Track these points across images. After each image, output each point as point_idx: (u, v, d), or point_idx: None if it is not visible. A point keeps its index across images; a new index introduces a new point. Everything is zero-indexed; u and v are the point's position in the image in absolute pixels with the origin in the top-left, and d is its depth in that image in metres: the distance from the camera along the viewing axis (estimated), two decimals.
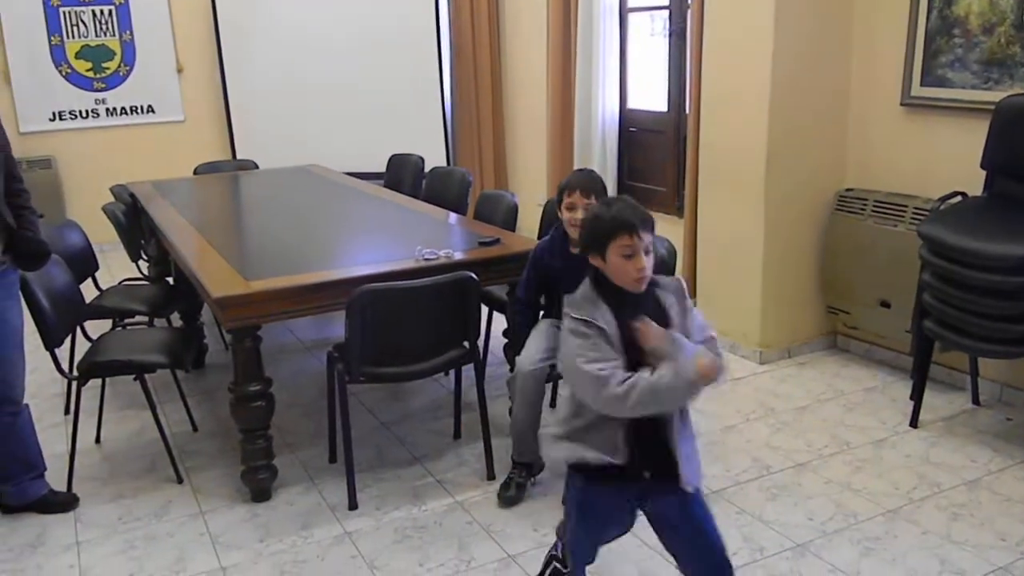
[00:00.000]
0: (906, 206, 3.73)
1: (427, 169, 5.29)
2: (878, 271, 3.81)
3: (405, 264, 3.17)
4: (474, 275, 3.03)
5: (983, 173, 3.35)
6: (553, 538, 2.53)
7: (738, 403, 3.74)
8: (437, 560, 2.70)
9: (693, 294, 4.68)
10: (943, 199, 3.42)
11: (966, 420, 3.46)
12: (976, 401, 3.57)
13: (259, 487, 3.06)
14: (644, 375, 1.81)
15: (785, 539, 2.75)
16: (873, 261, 3.83)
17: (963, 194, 3.42)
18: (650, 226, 1.93)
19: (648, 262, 1.91)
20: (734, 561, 2.05)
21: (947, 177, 3.56)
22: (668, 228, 4.68)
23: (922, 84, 3.73)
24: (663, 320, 1.91)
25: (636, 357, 1.87)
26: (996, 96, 3.35)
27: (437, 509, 2.99)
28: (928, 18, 3.67)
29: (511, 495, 2.99)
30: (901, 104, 3.81)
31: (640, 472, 1.96)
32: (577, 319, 1.90)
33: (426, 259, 3.25)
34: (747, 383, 3.94)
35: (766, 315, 4.11)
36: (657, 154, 5.37)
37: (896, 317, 3.75)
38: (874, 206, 3.87)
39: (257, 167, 5.94)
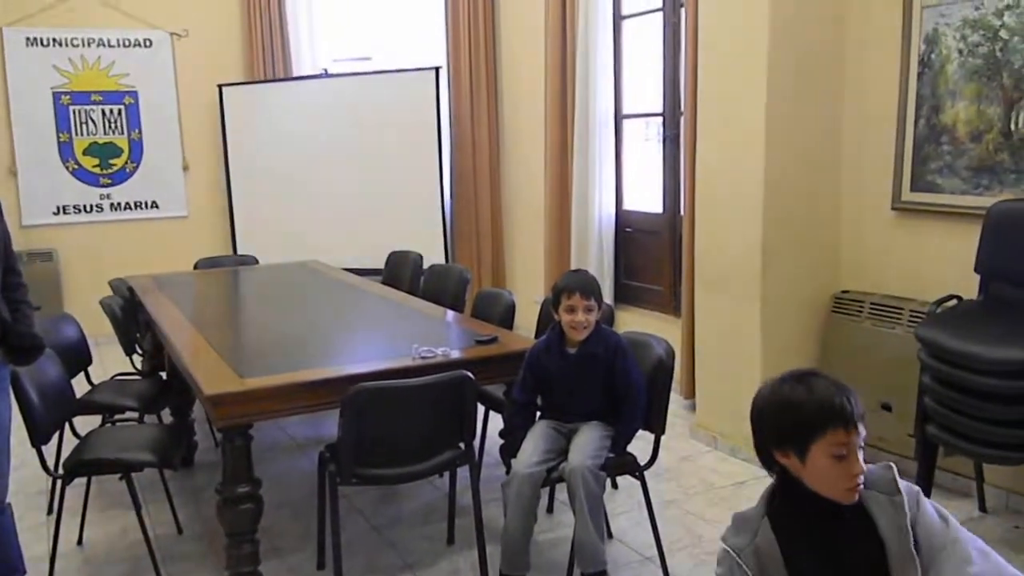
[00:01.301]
0: (902, 308, 3.73)
1: (425, 266, 5.32)
2: (877, 374, 3.79)
3: (401, 362, 3.14)
4: (471, 374, 3.00)
5: (976, 276, 3.37)
6: None
7: (739, 510, 3.64)
8: None
9: (691, 394, 4.65)
10: (939, 302, 3.43)
11: (973, 527, 3.31)
12: (983, 508, 3.49)
13: None
14: None
15: None
16: (872, 363, 3.81)
17: (958, 297, 3.43)
18: (863, 414, 1.45)
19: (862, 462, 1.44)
20: None
21: (941, 280, 3.58)
22: (665, 328, 4.69)
23: (912, 189, 3.79)
24: (870, 543, 1.45)
25: None
26: (986, 201, 3.40)
27: None
28: (916, 126, 3.75)
29: None
30: (892, 208, 3.86)
31: None
32: (727, 549, 1.47)
33: (423, 357, 3.22)
34: (749, 488, 3.86)
35: None
36: (653, 254, 5.42)
37: (897, 420, 3.70)
38: (871, 308, 3.88)
39: (257, 262, 5.98)
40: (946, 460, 3.49)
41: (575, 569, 2.85)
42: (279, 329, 3.92)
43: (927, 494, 3.34)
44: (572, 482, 2.82)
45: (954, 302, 3.44)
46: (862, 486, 1.46)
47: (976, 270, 3.37)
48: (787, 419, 1.45)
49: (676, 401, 4.79)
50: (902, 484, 1.52)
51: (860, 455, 1.44)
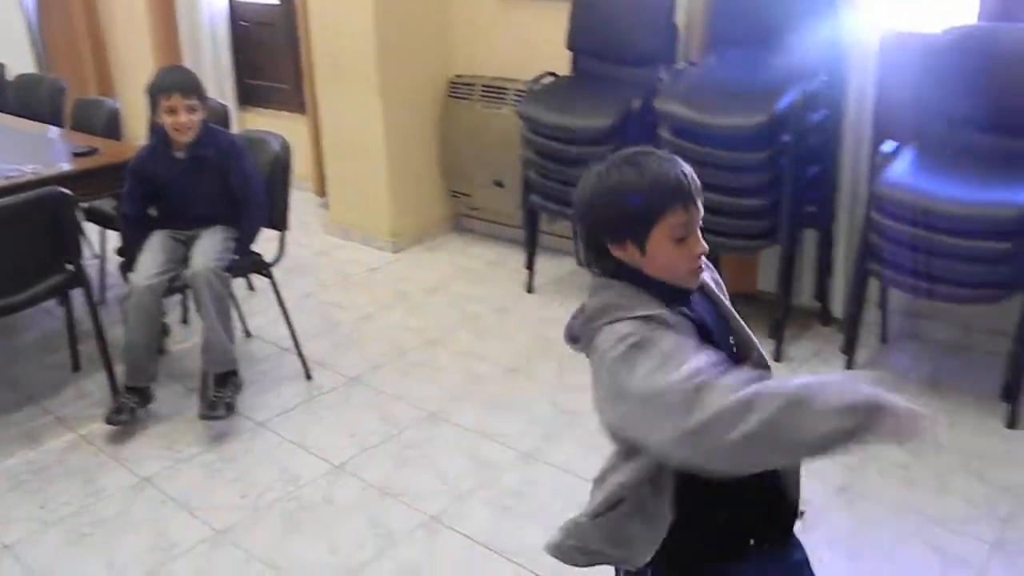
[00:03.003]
0: (508, 89, 3.97)
1: (11, 77, 4.63)
2: (490, 153, 4.06)
3: None
4: (67, 190, 2.74)
5: (569, 54, 3.66)
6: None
7: (373, 293, 3.84)
8: (61, 499, 2.51)
9: (323, 192, 4.67)
10: (537, 79, 3.68)
11: (573, 280, 3.86)
12: (580, 263, 3.98)
13: None
14: (771, 380, 1.16)
15: (419, 410, 2.92)
16: (485, 144, 4.07)
17: (554, 74, 3.71)
18: (700, 188, 1.31)
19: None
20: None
21: (541, 60, 3.82)
22: (293, 127, 4.59)
23: None
24: (716, 316, 1.38)
25: None
26: None
27: (57, 448, 2.76)
28: None
29: (124, 419, 2.79)
30: None
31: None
32: (632, 319, 1.24)
33: (8, 177, 2.89)
34: (382, 272, 4.05)
35: (395, 206, 4.22)
36: (273, 49, 5.16)
37: (509, 195, 4.03)
38: (481, 91, 4.08)
39: None
40: (549, 226, 3.91)
41: (208, 372, 2.86)
42: None
43: (533, 257, 3.76)
44: (196, 286, 2.77)
45: (550, 79, 3.71)
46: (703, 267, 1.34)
47: (568, 47, 3.65)
48: (621, 207, 1.27)
49: (310, 200, 4.80)
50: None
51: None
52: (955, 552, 2.18)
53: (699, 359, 1.17)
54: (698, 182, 1.29)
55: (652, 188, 1.26)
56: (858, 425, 1.05)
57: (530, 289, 3.77)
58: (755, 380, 1.13)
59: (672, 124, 3.07)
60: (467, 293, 3.81)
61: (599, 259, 1.34)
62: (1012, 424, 2.66)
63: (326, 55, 4.20)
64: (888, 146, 2.83)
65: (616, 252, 1.30)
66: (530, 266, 3.77)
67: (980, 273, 2.58)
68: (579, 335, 1.34)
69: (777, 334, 3.11)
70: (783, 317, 3.11)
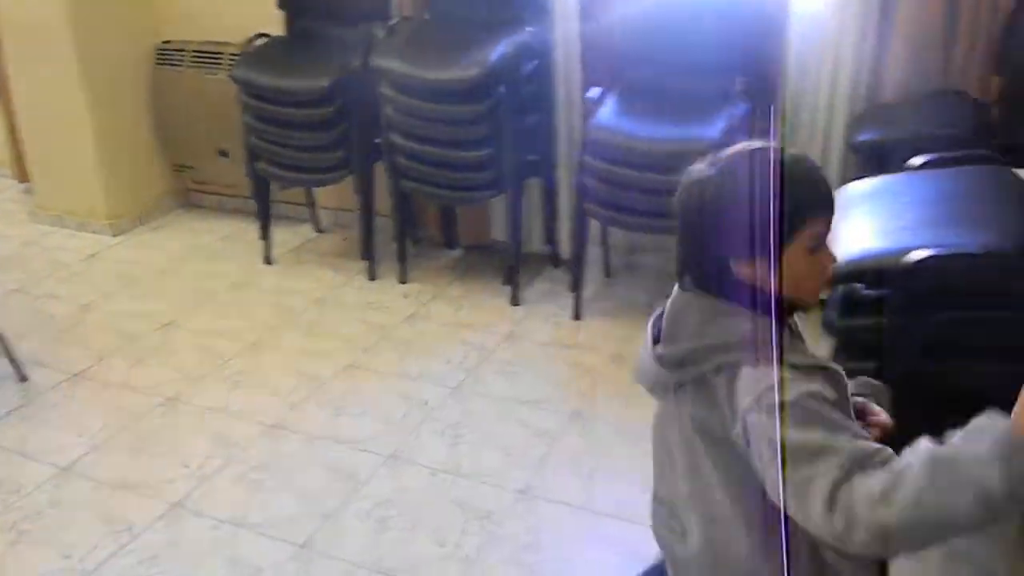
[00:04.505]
0: (222, 53, 3.79)
1: None
2: (210, 121, 3.86)
3: None
4: None
5: (283, 13, 3.55)
6: None
7: (94, 281, 3.55)
8: None
9: (25, 177, 4.24)
10: (250, 42, 3.54)
11: (311, 248, 3.79)
12: (319, 229, 3.92)
13: None
14: (923, 444, 0.98)
15: (155, 397, 2.76)
16: (203, 112, 3.86)
17: (267, 35, 3.58)
18: None
19: None
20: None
21: (254, 21, 3.66)
22: None
23: None
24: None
25: None
26: None
27: None
28: None
29: None
30: None
31: None
32: (793, 366, 1.07)
33: None
34: (102, 258, 3.75)
35: (110, 186, 3.90)
36: None
37: (236, 165, 3.86)
38: (193, 56, 3.86)
39: None
40: (282, 193, 3.80)
41: None
42: None
43: (268, 227, 3.64)
44: None
45: (265, 40, 3.58)
46: None
47: (279, 7, 3.54)
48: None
49: (11, 186, 4.35)
50: None
51: None
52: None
53: (856, 435, 1.03)
54: None
55: (796, 192, 1.08)
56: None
57: (268, 261, 3.65)
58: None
59: (391, 80, 3.08)
60: (201, 271, 3.63)
61: (715, 277, 1.14)
62: None
63: (13, 24, 3.77)
64: (594, 92, 3.01)
65: (741, 269, 1.12)
66: (265, 237, 3.64)
67: None
68: (686, 365, 1.15)
69: (512, 280, 3.24)
70: (516, 263, 3.25)
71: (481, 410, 2.66)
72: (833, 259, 1.15)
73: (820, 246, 1.12)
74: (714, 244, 1.13)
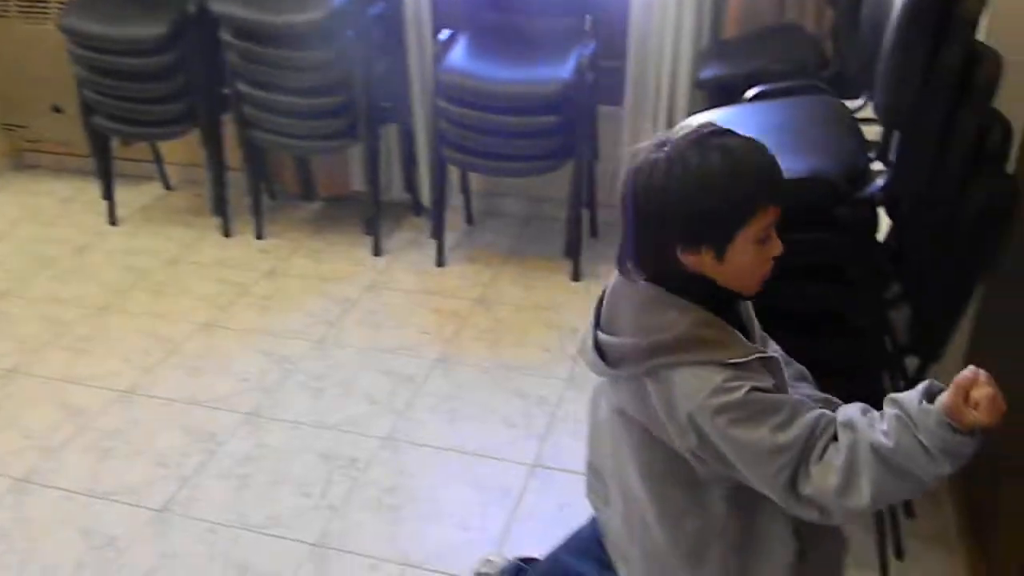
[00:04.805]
0: (49, 1, 3.52)
1: None
2: (40, 75, 3.60)
3: None
4: None
5: None
6: None
7: None
8: None
9: None
10: None
11: (160, 206, 3.62)
12: (168, 187, 3.74)
13: None
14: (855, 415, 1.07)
15: None
16: (32, 65, 3.59)
17: None
18: None
19: None
20: None
21: None
22: None
23: None
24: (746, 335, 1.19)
25: None
26: None
27: None
28: None
29: None
30: None
31: None
32: (722, 366, 1.07)
33: None
34: None
35: None
36: None
37: (72, 121, 3.61)
38: (18, 6, 3.57)
39: None
40: (124, 150, 3.60)
41: None
42: None
43: (110, 186, 3.45)
44: None
45: None
46: None
47: None
48: (707, 203, 1.05)
49: None
50: None
51: None
52: (536, 393, 2.45)
53: (800, 421, 1.06)
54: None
55: (747, 181, 1.06)
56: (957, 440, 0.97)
57: (112, 221, 3.46)
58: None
59: (233, 26, 2.94)
60: (40, 235, 3.41)
61: (657, 265, 1.12)
62: (576, 278, 3.01)
63: None
64: (444, 34, 2.96)
65: (686, 258, 1.09)
66: (108, 197, 3.45)
67: (533, 147, 2.84)
68: (624, 363, 1.14)
69: (373, 231, 3.19)
70: (376, 213, 3.19)
71: (344, 361, 2.62)
72: (780, 250, 1.12)
73: (768, 237, 1.10)
74: (659, 231, 1.10)
